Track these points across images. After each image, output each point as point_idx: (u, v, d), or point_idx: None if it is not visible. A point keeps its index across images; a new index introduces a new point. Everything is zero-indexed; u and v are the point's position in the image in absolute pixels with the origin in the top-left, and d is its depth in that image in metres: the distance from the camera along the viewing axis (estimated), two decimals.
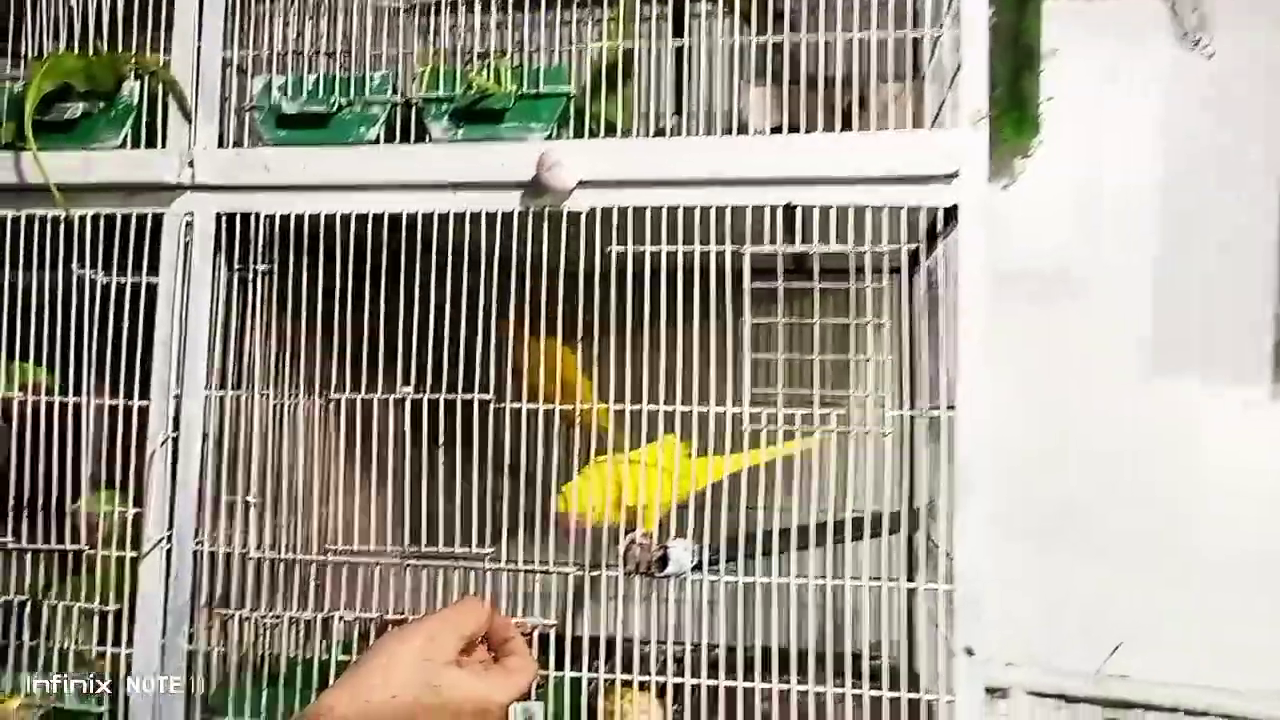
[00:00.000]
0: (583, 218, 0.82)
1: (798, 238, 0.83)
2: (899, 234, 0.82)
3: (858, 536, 0.94)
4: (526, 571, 0.82)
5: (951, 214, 0.79)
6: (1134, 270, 1.19)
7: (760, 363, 0.82)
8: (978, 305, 0.77)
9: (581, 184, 0.81)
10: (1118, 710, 1.11)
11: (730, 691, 0.81)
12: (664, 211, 0.81)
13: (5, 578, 0.89)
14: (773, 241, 0.81)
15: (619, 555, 0.81)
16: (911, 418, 0.89)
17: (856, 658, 0.82)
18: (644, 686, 0.84)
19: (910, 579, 1.07)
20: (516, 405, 0.83)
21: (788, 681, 0.79)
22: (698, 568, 0.81)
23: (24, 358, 0.88)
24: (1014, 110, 1.16)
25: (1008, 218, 1.20)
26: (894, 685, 0.81)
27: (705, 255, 0.81)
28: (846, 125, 0.81)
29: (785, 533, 0.88)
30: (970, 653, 0.77)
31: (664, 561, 0.79)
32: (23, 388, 0.88)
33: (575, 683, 0.84)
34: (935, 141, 0.79)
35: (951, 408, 0.78)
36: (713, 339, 0.80)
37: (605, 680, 0.84)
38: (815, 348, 0.82)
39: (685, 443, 0.82)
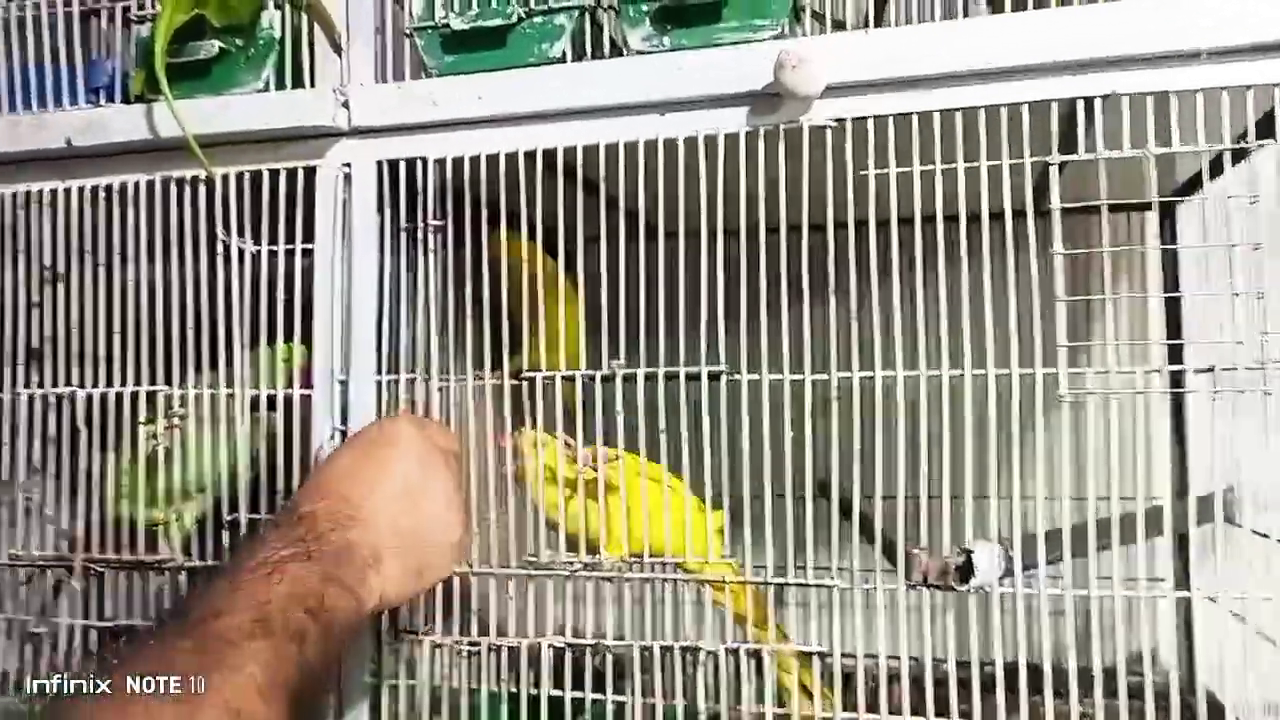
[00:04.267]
0: (829, 134, 0.64)
1: (1080, 144, 0.63)
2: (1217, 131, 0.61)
3: (1159, 529, 0.74)
4: (797, 585, 0.65)
5: None
6: None
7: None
8: None
9: (827, 90, 0.64)
10: None
11: None
12: (935, 118, 0.63)
13: (161, 602, 0.77)
14: (1044, 151, 0.62)
15: (900, 563, 0.64)
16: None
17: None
18: None
19: (1187, 580, 0.87)
20: (755, 377, 0.66)
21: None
22: (1004, 576, 0.63)
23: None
24: None
25: None
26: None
27: (993, 173, 0.62)
28: None
29: (1080, 531, 0.69)
30: None
31: (967, 571, 0.61)
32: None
33: None
34: None
35: None
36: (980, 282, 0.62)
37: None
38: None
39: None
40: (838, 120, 0.64)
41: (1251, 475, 0.66)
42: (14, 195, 0.79)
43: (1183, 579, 0.83)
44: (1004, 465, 0.65)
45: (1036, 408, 0.64)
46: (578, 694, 0.69)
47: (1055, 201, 0.62)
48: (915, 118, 0.63)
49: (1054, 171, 0.62)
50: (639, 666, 0.67)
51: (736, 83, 0.65)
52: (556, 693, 0.68)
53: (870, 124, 0.64)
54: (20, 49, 0.80)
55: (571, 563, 0.69)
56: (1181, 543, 0.81)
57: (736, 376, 0.66)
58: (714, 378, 0.67)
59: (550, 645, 0.68)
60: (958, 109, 0.62)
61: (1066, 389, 0.62)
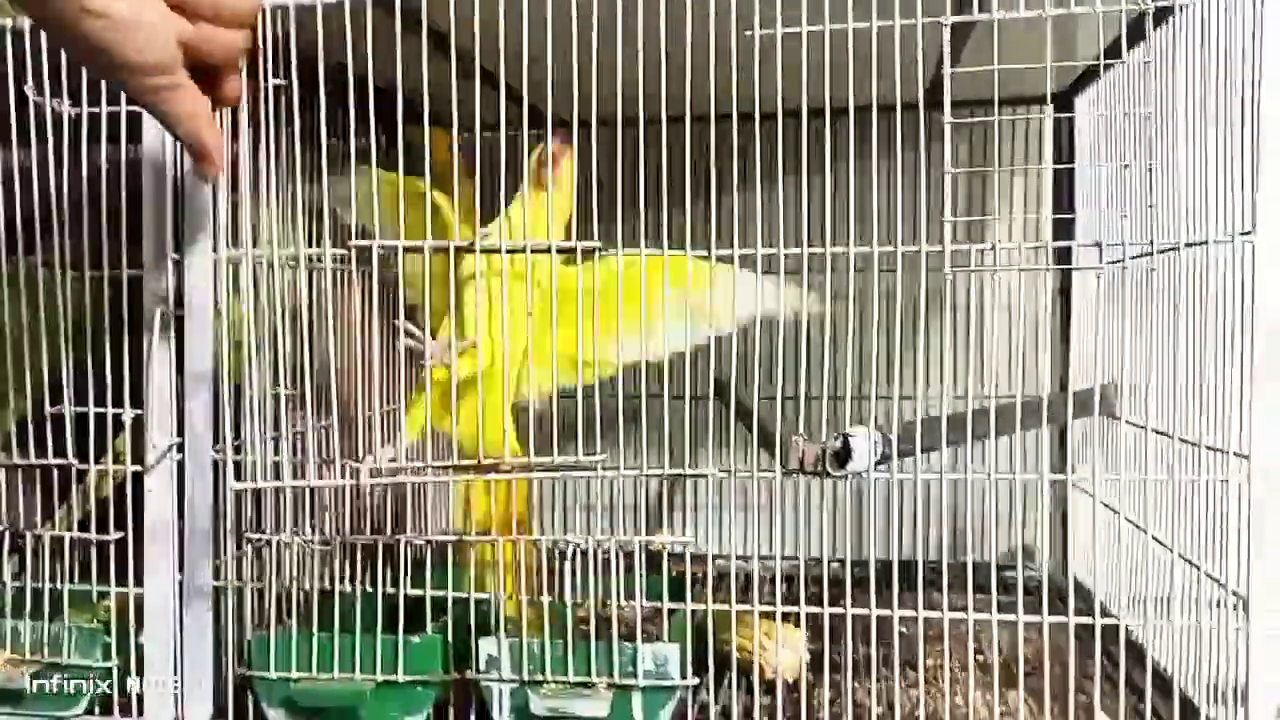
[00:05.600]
0: None
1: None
2: None
3: (1038, 422, 0.73)
4: (673, 475, 0.61)
5: None
6: None
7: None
8: None
9: None
10: None
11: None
12: None
13: None
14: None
15: (779, 452, 0.61)
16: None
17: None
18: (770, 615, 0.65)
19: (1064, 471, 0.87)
20: (634, 252, 0.61)
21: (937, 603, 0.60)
22: (881, 462, 0.61)
23: None
24: None
25: None
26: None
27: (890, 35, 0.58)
28: None
29: (960, 419, 0.68)
30: None
31: (844, 456, 0.59)
32: None
33: (696, 615, 0.65)
34: None
35: (1247, 233, 0.55)
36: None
37: (719, 609, 0.64)
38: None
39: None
40: None
41: (1132, 366, 0.65)
42: None
43: (1060, 470, 0.82)
44: (890, 358, 0.63)
45: (922, 299, 0.61)
46: (439, 593, 0.65)
47: (946, 66, 0.58)
48: None
49: (945, 34, 0.58)
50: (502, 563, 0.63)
51: None
52: (416, 592, 0.64)
53: None
54: None
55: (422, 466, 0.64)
56: (1061, 436, 0.81)
57: (610, 252, 0.62)
58: (589, 254, 0.62)
59: (408, 542, 0.64)
60: None
61: (949, 266, 0.59)
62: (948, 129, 0.58)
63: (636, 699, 0.62)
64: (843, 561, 0.67)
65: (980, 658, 0.77)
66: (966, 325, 0.62)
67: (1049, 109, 0.92)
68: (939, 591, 0.62)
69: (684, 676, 0.62)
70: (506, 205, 0.68)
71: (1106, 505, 0.69)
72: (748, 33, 0.59)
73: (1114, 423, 0.68)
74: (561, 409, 0.69)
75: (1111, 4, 0.56)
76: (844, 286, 0.62)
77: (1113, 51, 0.73)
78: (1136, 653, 0.67)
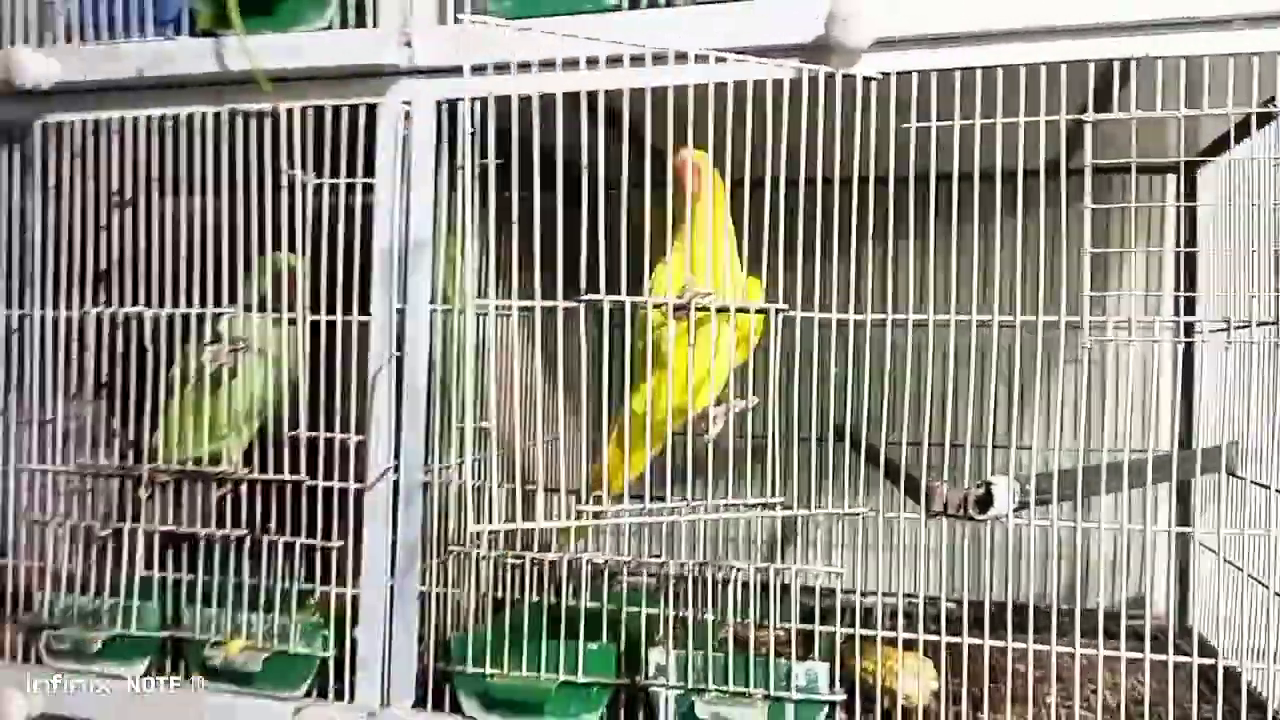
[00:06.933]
0: (874, 85, 0.68)
1: (1115, 103, 0.67)
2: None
3: (1164, 478, 0.78)
4: (828, 514, 0.70)
5: None
6: None
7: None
8: None
9: (874, 44, 0.67)
10: None
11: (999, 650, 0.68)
12: (977, 75, 0.66)
13: (222, 511, 0.82)
14: (1078, 111, 0.65)
15: (919, 493, 0.68)
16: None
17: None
18: (907, 645, 0.73)
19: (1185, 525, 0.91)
20: (809, 314, 0.70)
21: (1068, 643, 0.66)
22: (1020, 508, 0.67)
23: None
24: None
25: None
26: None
27: (1029, 130, 0.65)
28: None
29: (1094, 471, 0.74)
30: None
31: (986, 501, 0.65)
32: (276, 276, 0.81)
33: (829, 638, 0.72)
34: None
35: None
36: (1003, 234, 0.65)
37: (861, 636, 0.72)
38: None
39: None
40: (883, 74, 0.67)
41: (1256, 428, 0.70)
42: (84, 123, 0.83)
43: (1183, 523, 0.87)
44: (1025, 412, 0.69)
45: (1060, 358, 0.68)
46: (613, 607, 0.74)
47: (1088, 159, 0.65)
48: (958, 73, 0.66)
49: (1088, 130, 0.65)
50: (673, 583, 0.72)
51: (787, 34, 0.68)
52: (594, 605, 0.74)
53: (914, 78, 0.67)
54: None
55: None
56: (1183, 491, 0.85)
57: (791, 312, 0.69)
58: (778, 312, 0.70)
59: (589, 561, 0.73)
60: (998, 66, 0.65)
61: (1089, 338, 0.65)
62: (1087, 215, 0.65)
63: (789, 710, 0.70)
64: (958, 601, 0.74)
65: (1101, 696, 0.82)
66: (1088, 383, 0.68)
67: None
68: (1056, 632, 0.68)
69: (832, 692, 0.70)
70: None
71: (1231, 563, 0.73)
72: (904, 125, 0.67)
73: (1235, 480, 0.73)
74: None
75: (1243, 106, 0.62)
76: (965, 344, 0.69)
77: (1241, 130, 0.79)
78: (1255, 699, 0.71)
